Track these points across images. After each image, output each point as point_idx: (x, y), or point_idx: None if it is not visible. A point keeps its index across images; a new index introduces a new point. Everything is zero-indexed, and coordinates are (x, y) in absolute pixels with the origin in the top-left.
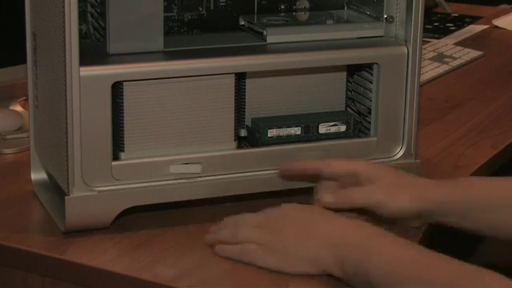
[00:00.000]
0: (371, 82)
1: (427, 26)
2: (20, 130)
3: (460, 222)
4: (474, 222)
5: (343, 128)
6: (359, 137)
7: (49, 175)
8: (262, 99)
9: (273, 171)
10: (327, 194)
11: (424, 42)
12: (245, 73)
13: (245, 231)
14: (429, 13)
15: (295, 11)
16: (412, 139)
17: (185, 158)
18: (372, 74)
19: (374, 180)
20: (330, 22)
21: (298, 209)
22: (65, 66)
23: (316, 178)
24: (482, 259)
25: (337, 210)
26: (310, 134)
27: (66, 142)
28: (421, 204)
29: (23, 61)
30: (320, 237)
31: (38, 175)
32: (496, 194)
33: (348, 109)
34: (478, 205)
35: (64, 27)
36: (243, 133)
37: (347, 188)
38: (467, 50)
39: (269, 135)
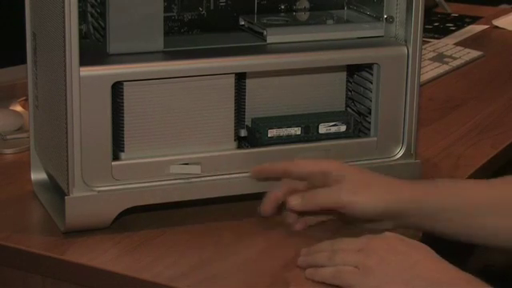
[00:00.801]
0: (371, 82)
1: (427, 26)
2: (20, 130)
3: (433, 224)
4: (447, 224)
5: (343, 128)
6: (359, 137)
7: (49, 175)
8: (262, 99)
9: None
10: (293, 196)
11: (424, 42)
12: (245, 73)
13: (343, 254)
14: (429, 13)
15: (295, 11)
16: (412, 139)
17: (185, 158)
18: (372, 74)
19: (342, 180)
20: (330, 22)
21: (402, 241)
22: (65, 65)
23: (286, 178)
24: (482, 258)
25: (304, 213)
26: (310, 134)
27: (66, 142)
28: (388, 204)
29: (23, 61)
30: (425, 280)
31: (38, 175)
32: (470, 196)
33: (348, 109)
34: (451, 205)
35: (64, 27)
36: (243, 133)
37: (313, 189)
38: (467, 50)
39: (269, 135)
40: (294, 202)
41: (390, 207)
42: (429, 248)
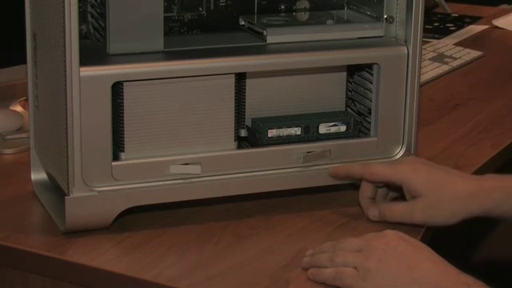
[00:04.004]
0: (371, 82)
1: (427, 27)
2: (20, 130)
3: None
4: None
5: (343, 128)
6: (359, 137)
7: (49, 175)
8: (262, 99)
9: (273, 171)
10: (372, 210)
11: (424, 43)
12: (245, 73)
13: (343, 255)
14: (429, 13)
15: (295, 11)
16: (412, 139)
17: (185, 158)
18: (372, 74)
19: (417, 195)
20: (330, 22)
21: (403, 241)
22: (65, 66)
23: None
24: (483, 256)
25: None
26: (310, 134)
27: (66, 142)
28: (462, 218)
29: (23, 61)
30: (423, 285)
31: (38, 175)
32: None
33: (348, 109)
34: None
35: (64, 27)
36: (243, 133)
37: (389, 204)
38: (467, 50)
39: (269, 135)
40: (371, 214)
41: (463, 218)
42: (429, 248)
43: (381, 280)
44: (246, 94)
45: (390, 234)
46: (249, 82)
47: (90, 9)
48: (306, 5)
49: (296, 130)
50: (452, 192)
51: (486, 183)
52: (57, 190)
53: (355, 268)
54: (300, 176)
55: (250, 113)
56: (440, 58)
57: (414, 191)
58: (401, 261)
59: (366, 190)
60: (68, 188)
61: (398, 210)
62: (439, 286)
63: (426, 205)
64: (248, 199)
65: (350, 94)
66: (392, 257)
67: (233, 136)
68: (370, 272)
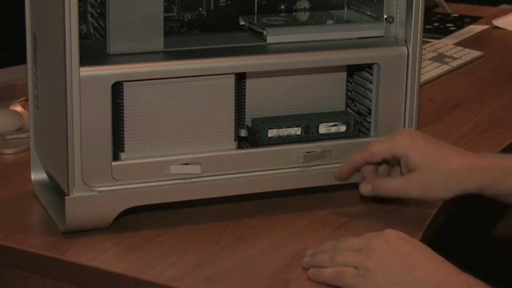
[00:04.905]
0: (371, 82)
1: (427, 27)
2: (20, 130)
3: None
4: None
5: (343, 128)
6: (359, 137)
7: (49, 175)
8: (262, 99)
9: (273, 171)
10: (365, 185)
11: (424, 43)
12: (245, 73)
13: (343, 255)
14: (429, 13)
15: (295, 11)
16: None
17: (185, 158)
18: (372, 75)
19: (413, 169)
20: (330, 22)
21: (403, 240)
22: (65, 66)
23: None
24: (483, 255)
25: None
26: (310, 134)
27: (66, 142)
28: (456, 193)
29: (23, 61)
30: (423, 286)
31: (38, 175)
32: None
33: (348, 109)
34: None
35: (64, 27)
36: (243, 133)
37: (384, 179)
38: (467, 50)
39: (269, 135)
40: (364, 189)
41: (459, 192)
42: (429, 248)
43: (381, 280)
44: (246, 94)
45: (391, 234)
46: (249, 82)
47: (90, 9)
48: (306, 5)
49: (296, 130)
50: (448, 167)
51: (483, 160)
52: (57, 190)
53: (356, 268)
54: (300, 176)
55: (250, 113)
56: (440, 58)
57: (411, 165)
58: (401, 260)
59: (369, 175)
60: (68, 188)
61: (392, 185)
62: (440, 286)
63: (422, 180)
64: (248, 199)
65: (350, 93)
66: (392, 256)
67: (233, 136)
68: (371, 272)
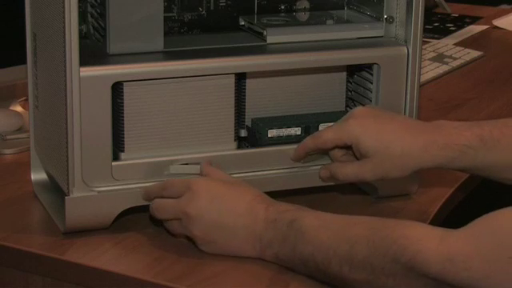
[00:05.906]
0: (371, 82)
1: (427, 27)
2: (20, 130)
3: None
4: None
5: None
6: None
7: (49, 175)
8: (262, 99)
9: (273, 171)
10: (323, 171)
11: (424, 43)
12: (245, 73)
13: (165, 205)
14: (429, 13)
15: (295, 11)
16: None
17: (185, 158)
18: (372, 75)
19: (366, 155)
20: (329, 22)
21: (222, 183)
22: (65, 66)
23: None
24: None
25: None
26: (310, 134)
27: (66, 142)
28: (413, 170)
29: (23, 61)
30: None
31: (38, 175)
32: None
33: (348, 109)
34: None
35: (64, 27)
36: (243, 133)
37: (341, 164)
38: (467, 50)
39: (269, 135)
40: (322, 175)
41: (416, 169)
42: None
43: (207, 221)
44: (246, 94)
45: (201, 182)
46: (249, 82)
47: (89, 9)
48: (306, 5)
49: (296, 130)
50: (401, 149)
51: (439, 138)
52: (57, 190)
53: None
54: (300, 176)
55: (250, 113)
56: (440, 58)
57: (364, 151)
58: (221, 203)
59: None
60: (68, 188)
61: (349, 171)
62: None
63: (375, 165)
64: None
65: (350, 93)
66: (211, 198)
67: (233, 136)
68: (192, 219)
